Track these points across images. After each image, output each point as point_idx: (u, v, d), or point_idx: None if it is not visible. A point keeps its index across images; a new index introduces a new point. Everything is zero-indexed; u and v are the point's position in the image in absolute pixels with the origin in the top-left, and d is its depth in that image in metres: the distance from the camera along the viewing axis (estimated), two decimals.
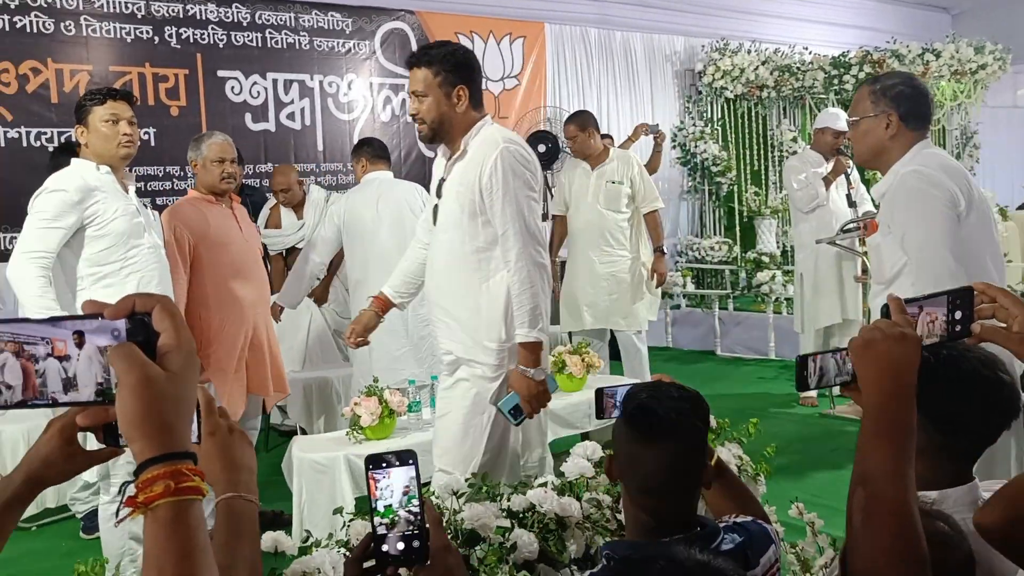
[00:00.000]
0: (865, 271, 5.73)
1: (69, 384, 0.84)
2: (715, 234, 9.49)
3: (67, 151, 3.56)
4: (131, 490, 0.82)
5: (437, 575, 1.26)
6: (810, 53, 9.41)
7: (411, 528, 1.23)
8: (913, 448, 1.18)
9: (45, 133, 5.74)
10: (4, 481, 1.11)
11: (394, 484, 1.24)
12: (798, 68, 9.24)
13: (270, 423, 5.44)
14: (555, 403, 4.36)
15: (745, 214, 9.40)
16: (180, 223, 3.83)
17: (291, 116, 6.80)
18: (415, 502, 1.23)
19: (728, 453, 2.60)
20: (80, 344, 0.84)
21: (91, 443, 1.07)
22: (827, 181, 5.73)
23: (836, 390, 1.79)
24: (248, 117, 6.58)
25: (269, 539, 2.12)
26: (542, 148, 7.34)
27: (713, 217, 9.65)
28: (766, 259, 8.11)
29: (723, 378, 6.58)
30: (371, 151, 4.84)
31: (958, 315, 1.41)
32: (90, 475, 3.72)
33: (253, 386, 4.04)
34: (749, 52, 9.38)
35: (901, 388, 1.20)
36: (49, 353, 0.83)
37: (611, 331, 5.65)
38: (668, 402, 1.59)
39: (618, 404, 1.84)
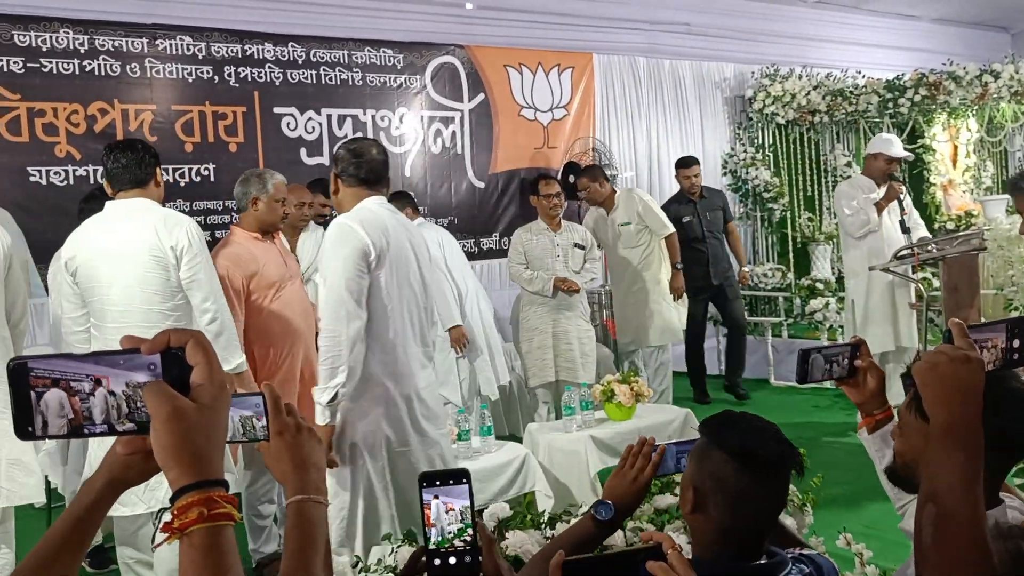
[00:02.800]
0: (920, 298, 5.64)
1: (111, 416, 0.90)
2: (768, 260, 9.41)
3: (97, 198, 3.69)
4: (167, 516, 0.87)
5: None
6: (863, 77, 9.33)
7: (464, 545, 1.26)
8: (981, 465, 1.21)
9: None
10: (87, 485, 1.15)
11: (448, 503, 1.27)
12: (851, 92, 9.16)
13: None
14: (605, 432, 4.41)
15: (799, 240, 9.31)
16: (230, 264, 3.89)
17: None
18: (468, 521, 1.26)
19: None
20: (120, 379, 0.89)
21: None
22: (879, 207, 5.67)
23: None
24: (303, 152, 6.76)
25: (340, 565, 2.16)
26: (571, 179, 7.42)
27: (766, 243, 9.56)
28: (820, 285, 8.02)
29: (777, 407, 6.50)
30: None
31: (1016, 343, 1.44)
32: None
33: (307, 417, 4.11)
34: (800, 77, 9.33)
35: (967, 408, 1.24)
36: (92, 388, 0.89)
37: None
38: (775, 438, 1.63)
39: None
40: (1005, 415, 1.57)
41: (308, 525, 1.17)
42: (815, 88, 9.19)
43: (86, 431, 0.90)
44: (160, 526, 0.89)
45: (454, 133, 7.55)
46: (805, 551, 1.77)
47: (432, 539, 1.25)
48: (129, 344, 0.90)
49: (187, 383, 0.89)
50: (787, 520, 2.47)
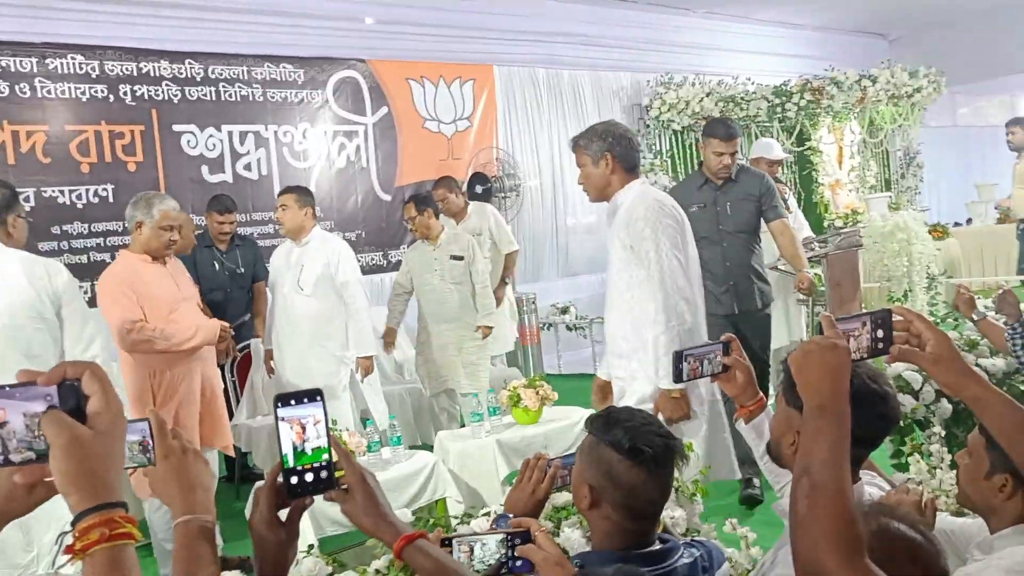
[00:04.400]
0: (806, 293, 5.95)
1: (7, 447, 0.94)
2: None
3: None
4: (68, 539, 0.92)
5: (360, 501, 1.32)
6: (753, 83, 9.74)
7: (321, 463, 1.26)
8: (848, 442, 1.33)
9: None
10: None
11: (309, 421, 1.25)
12: (742, 98, 9.56)
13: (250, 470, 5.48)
14: (513, 435, 4.54)
15: None
16: (119, 285, 3.88)
17: (248, 167, 6.93)
18: (324, 439, 1.25)
19: None
20: (16, 410, 0.93)
21: None
22: None
23: None
24: (205, 169, 6.70)
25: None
26: (479, 188, 7.54)
27: None
28: None
29: None
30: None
31: (880, 334, 1.59)
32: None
33: (209, 439, 4.10)
34: (694, 85, 9.68)
35: (836, 388, 1.36)
36: None
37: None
38: (659, 432, 1.76)
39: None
40: (856, 411, 1.75)
41: (196, 544, 1.19)
42: (708, 95, 9.55)
43: None
44: (63, 548, 0.94)
45: (358, 147, 7.58)
46: (698, 537, 1.93)
47: (289, 458, 1.25)
48: (25, 377, 0.95)
49: (84, 412, 0.94)
50: (677, 511, 2.63)
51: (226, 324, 4.21)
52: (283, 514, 1.30)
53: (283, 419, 1.24)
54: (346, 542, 3.81)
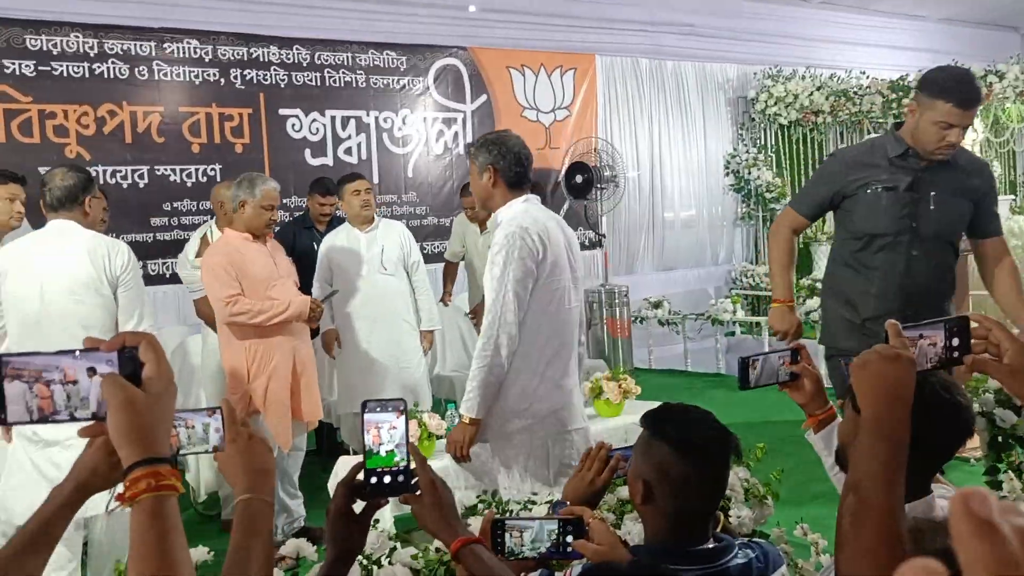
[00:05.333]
0: None
1: (75, 405, 1.06)
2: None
3: None
4: (120, 488, 1.03)
5: (428, 504, 1.43)
6: (867, 77, 9.37)
7: (397, 466, 1.40)
8: (904, 460, 1.27)
9: (120, 171, 6.15)
10: (56, 489, 1.30)
11: (384, 427, 1.40)
12: (855, 93, 9.22)
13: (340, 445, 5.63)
14: (594, 427, 4.51)
15: (800, 240, 9.36)
16: (222, 260, 4.09)
17: (348, 151, 7.11)
18: (403, 446, 1.39)
19: (735, 476, 2.71)
20: (83, 372, 1.05)
21: None
22: None
23: None
24: (308, 153, 6.90)
25: (292, 546, 2.30)
26: (579, 179, 7.50)
27: (768, 244, 9.62)
28: (820, 286, 8.07)
29: (773, 406, 6.57)
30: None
31: (955, 342, 1.52)
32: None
33: (299, 413, 4.26)
34: (803, 78, 9.39)
35: (895, 404, 1.29)
36: (61, 379, 1.05)
37: None
38: (711, 426, 1.74)
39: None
40: (928, 422, 1.67)
41: (253, 521, 1.31)
42: (818, 89, 9.25)
43: (52, 419, 1.05)
44: (114, 496, 1.06)
45: (456, 134, 7.67)
46: (754, 539, 1.88)
47: (370, 459, 1.39)
48: (91, 344, 1.06)
49: (139, 377, 1.04)
50: (744, 511, 2.58)
51: (317, 299, 4.35)
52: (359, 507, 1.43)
53: (366, 421, 1.40)
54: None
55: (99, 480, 1.29)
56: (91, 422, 1.08)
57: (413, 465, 1.41)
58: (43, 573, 1.28)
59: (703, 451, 1.70)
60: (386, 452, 1.39)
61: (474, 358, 3.07)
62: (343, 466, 4.12)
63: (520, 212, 3.09)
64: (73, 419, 1.06)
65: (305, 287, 4.73)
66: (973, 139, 9.63)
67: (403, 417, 1.40)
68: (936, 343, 1.52)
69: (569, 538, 1.67)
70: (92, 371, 1.05)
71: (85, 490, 1.29)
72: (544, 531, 1.67)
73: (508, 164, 3.07)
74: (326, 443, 5.60)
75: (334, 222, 5.81)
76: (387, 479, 1.40)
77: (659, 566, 1.47)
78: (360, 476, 1.42)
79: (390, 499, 1.45)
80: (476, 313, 5.85)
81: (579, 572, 1.66)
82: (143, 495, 0.99)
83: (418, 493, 1.42)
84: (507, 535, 1.65)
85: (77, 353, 1.05)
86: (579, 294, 3.30)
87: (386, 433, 1.39)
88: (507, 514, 2.44)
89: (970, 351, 1.51)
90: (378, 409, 1.40)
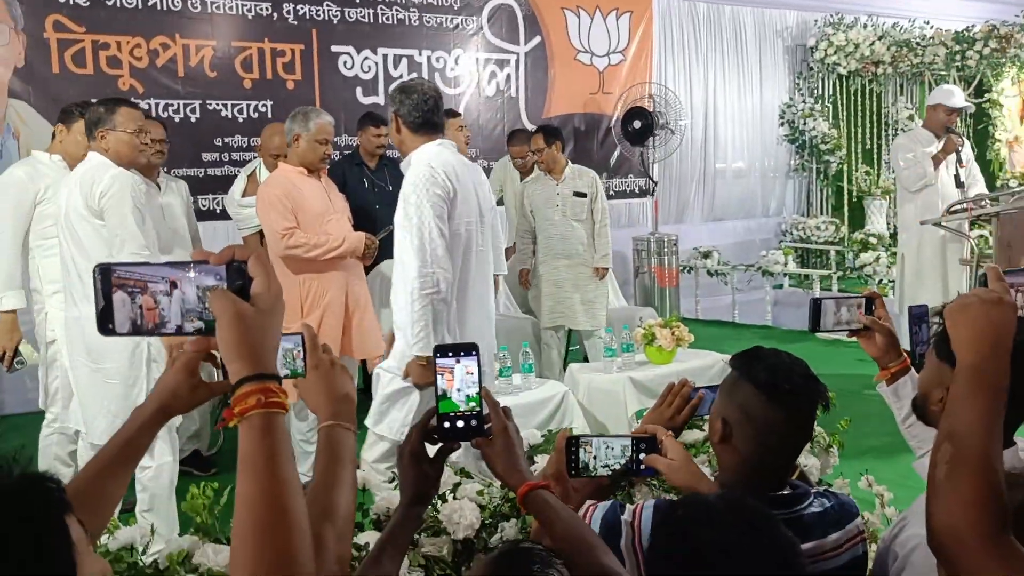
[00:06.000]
0: (974, 253, 5.57)
1: (183, 316, 1.03)
2: (822, 213, 9.29)
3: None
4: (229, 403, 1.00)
5: (499, 449, 1.43)
6: (931, 27, 9.07)
7: (471, 411, 1.40)
8: (1003, 408, 1.22)
9: (172, 104, 6.14)
10: (138, 410, 1.29)
11: (459, 372, 1.40)
12: (917, 43, 8.93)
13: None
14: (645, 374, 4.49)
15: (855, 194, 9.17)
16: (278, 193, 4.05)
17: None
18: (477, 390, 1.39)
19: None
20: (191, 284, 1.02)
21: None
22: (936, 160, 5.57)
23: None
24: (359, 91, 6.84)
25: (359, 476, 2.30)
26: (637, 124, 7.36)
27: (821, 196, 9.44)
28: (873, 240, 7.93)
29: (821, 359, 6.49)
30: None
31: None
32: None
33: (349, 349, 4.26)
34: (865, 27, 9.11)
35: (997, 350, 1.24)
36: (168, 291, 1.02)
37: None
38: (802, 373, 1.68)
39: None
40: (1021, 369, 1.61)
41: (337, 447, 1.31)
42: (880, 38, 8.97)
43: (158, 332, 1.04)
44: (223, 411, 1.02)
45: (509, 76, 7.55)
46: (830, 490, 1.84)
47: (443, 402, 1.39)
48: (200, 256, 1.02)
49: (247, 292, 1.01)
50: (811, 459, 2.53)
51: (372, 236, 4.33)
52: (433, 451, 1.44)
53: (439, 365, 1.40)
54: None
55: (180, 402, 1.28)
56: (195, 336, 1.06)
57: (486, 410, 1.41)
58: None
59: (791, 396, 1.65)
60: (458, 396, 1.40)
61: (411, 299, 3.09)
62: None
63: (432, 154, 3.18)
64: (179, 332, 1.04)
65: (357, 226, 4.71)
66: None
67: (476, 361, 1.40)
68: None
69: (642, 456, 1.67)
70: (199, 285, 1.02)
71: (166, 412, 1.28)
72: (618, 448, 1.68)
73: (408, 110, 3.18)
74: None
75: (383, 159, 5.77)
76: (460, 423, 1.40)
77: (747, 497, 1.43)
78: (434, 421, 1.42)
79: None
80: (524, 276, 5.75)
81: (653, 504, 1.63)
82: (252, 411, 0.97)
83: (490, 438, 1.42)
84: (581, 452, 1.67)
85: (185, 266, 1.02)
86: (486, 238, 3.40)
87: (462, 378, 1.39)
88: None
89: None
90: (450, 354, 1.40)
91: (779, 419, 1.65)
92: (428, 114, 3.21)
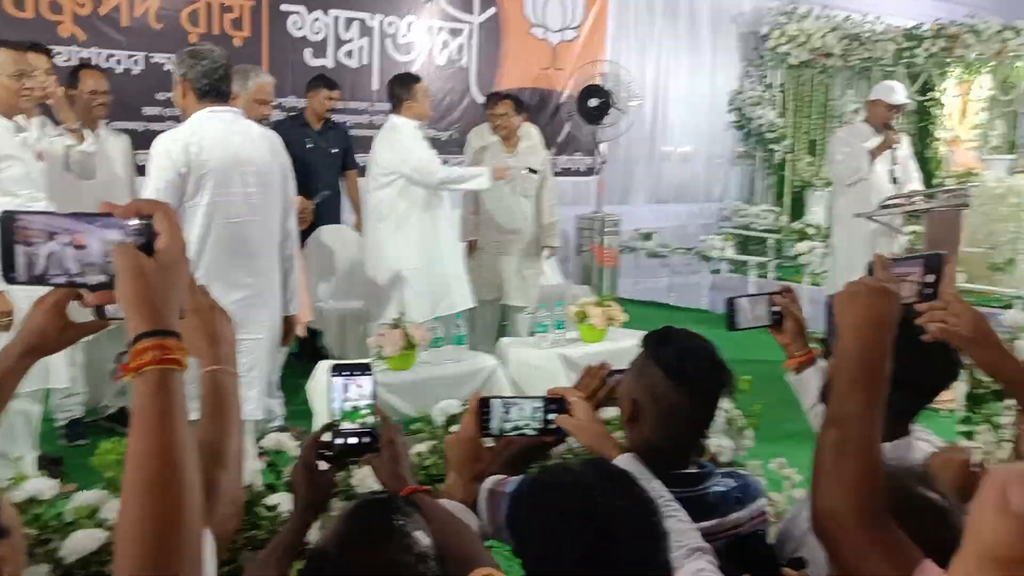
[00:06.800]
0: (904, 249, 5.72)
1: (84, 268, 1.02)
2: (764, 202, 9.44)
3: None
4: (126, 359, 1.00)
5: (386, 459, 1.50)
6: (882, 23, 9.21)
7: (365, 427, 1.48)
8: (885, 396, 1.26)
9: (115, 55, 5.98)
10: (3, 353, 1.26)
11: (353, 390, 1.47)
12: (868, 37, 9.07)
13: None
14: (575, 351, 4.55)
15: (796, 184, 9.33)
16: None
17: (349, 54, 6.94)
18: (368, 406, 1.47)
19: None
20: (94, 236, 1.02)
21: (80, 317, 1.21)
22: (872, 155, 5.70)
23: None
24: (308, 53, 6.73)
25: (272, 440, 2.32)
26: (594, 102, 7.37)
27: (763, 184, 9.59)
28: (811, 230, 8.08)
29: (746, 344, 6.61)
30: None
31: (930, 278, 1.52)
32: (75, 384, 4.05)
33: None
34: (818, 18, 9.22)
35: (879, 339, 1.28)
36: (70, 242, 1.01)
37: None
38: (710, 358, 1.72)
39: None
40: (917, 359, 1.67)
41: (223, 391, 1.29)
42: (833, 30, 9.08)
43: (52, 281, 1.03)
44: (119, 366, 1.02)
45: (461, 46, 7.50)
46: (736, 470, 1.90)
47: (346, 409, 1.48)
48: (106, 208, 1.02)
49: (152, 247, 1.01)
50: (725, 441, 2.61)
51: (307, 200, 4.30)
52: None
53: (333, 384, 1.49)
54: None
55: (48, 343, 1.24)
56: (101, 288, 1.04)
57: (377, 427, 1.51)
58: None
59: (696, 382, 1.70)
60: (352, 408, 1.49)
61: None
62: (323, 370, 4.14)
63: (192, 124, 3.20)
64: (72, 284, 1.04)
65: (297, 188, 4.67)
66: (979, 96, 9.53)
67: (371, 379, 1.50)
68: (914, 278, 1.51)
69: (551, 416, 1.71)
70: (102, 238, 1.01)
71: (33, 353, 1.25)
72: (529, 409, 1.74)
73: (197, 75, 3.18)
74: (308, 347, 5.61)
75: (328, 122, 5.71)
76: (353, 440, 1.48)
77: (605, 460, 1.49)
78: (326, 436, 1.51)
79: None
80: (472, 246, 5.63)
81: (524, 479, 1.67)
82: (148, 367, 0.97)
83: (378, 447, 1.51)
84: (492, 413, 1.70)
85: (91, 218, 1.01)
86: (262, 209, 3.39)
87: (354, 392, 1.49)
88: None
89: (937, 291, 1.53)
90: (345, 372, 1.49)
91: (684, 403, 1.69)
92: (217, 82, 3.22)
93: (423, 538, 1.14)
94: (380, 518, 1.16)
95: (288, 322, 3.62)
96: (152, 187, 3.18)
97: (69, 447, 4.21)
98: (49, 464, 3.96)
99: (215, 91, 3.23)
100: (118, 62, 6.00)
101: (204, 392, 1.29)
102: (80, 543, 1.80)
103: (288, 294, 3.58)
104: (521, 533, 1.35)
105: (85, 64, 5.22)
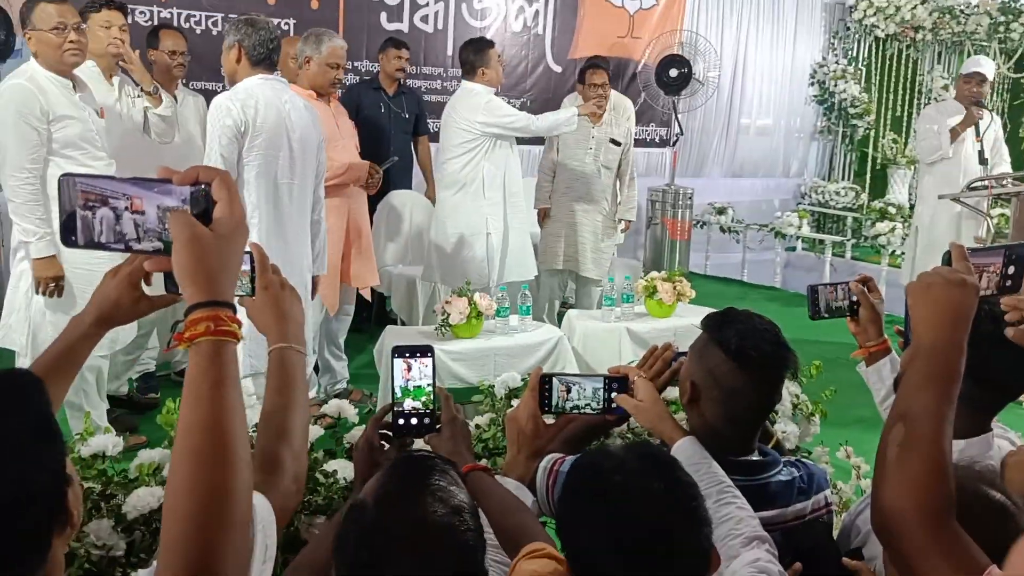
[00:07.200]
0: (990, 232, 5.49)
1: (140, 235, 1.00)
2: (843, 179, 9.16)
3: None
4: (180, 328, 0.99)
5: (445, 438, 1.54)
6: None
7: (425, 407, 1.51)
8: (957, 393, 1.21)
9: (194, 16, 6.06)
10: (76, 320, 1.28)
11: (415, 370, 1.50)
12: (961, 11, 8.67)
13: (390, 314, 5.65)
14: (642, 326, 4.49)
15: (879, 161, 9.02)
16: None
17: (424, 19, 6.91)
18: (429, 386, 1.51)
19: (786, 391, 2.65)
20: (152, 202, 1.00)
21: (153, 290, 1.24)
22: (953, 133, 5.45)
23: None
24: (384, 16, 6.72)
25: (334, 405, 2.33)
26: (673, 72, 7.21)
27: (844, 161, 9.30)
28: (892, 210, 7.81)
29: (824, 325, 6.45)
30: None
31: (1011, 270, 1.43)
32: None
33: (347, 276, 4.27)
34: None
35: (955, 333, 1.22)
36: (128, 207, 0.99)
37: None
38: (772, 340, 1.67)
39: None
40: (1002, 355, 1.57)
41: (290, 368, 1.30)
42: (923, 3, 8.71)
43: (116, 246, 1.01)
44: (174, 335, 1.02)
45: (537, 12, 7.40)
46: (801, 459, 1.84)
47: (400, 396, 1.53)
48: (164, 174, 1.00)
49: (210, 215, 0.99)
50: (791, 427, 2.53)
51: (376, 166, 4.30)
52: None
53: (396, 364, 1.53)
54: (462, 397, 3.92)
55: (121, 314, 1.26)
56: (157, 254, 1.02)
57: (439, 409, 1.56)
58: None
59: (758, 364, 1.64)
60: (414, 387, 1.54)
61: None
62: (390, 335, 4.16)
63: (247, 87, 3.40)
64: (128, 250, 1.02)
65: (367, 152, 4.68)
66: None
67: (431, 361, 1.54)
68: (995, 270, 1.45)
69: (613, 395, 1.70)
70: (159, 204, 0.99)
71: (106, 323, 1.27)
72: (590, 388, 1.73)
73: (253, 43, 3.41)
74: (374, 312, 5.66)
75: (401, 86, 5.68)
76: (414, 420, 1.53)
77: (651, 445, 1.45)
78: (389, 417, 1.55)
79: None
80: (544, 214, 5.56)
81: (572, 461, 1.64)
82: (201, 338, 0.95)
83: (438, 427, 1.57)
84: (554, 389, 1.71)
85: (148, 183, 0.99)
86: (300, 175, 3.57)
87: (417, 370, 1.53)
88: None
89: (1018, 287, 1.45)
90: (407, 354, 1.53)
91: (746, 386, 1.64)
92: (270, 52, 3.45)
93: (459, 492, 1.14)
94: (418, 473, 1.16)
95: (313, 281, 3.80)
96: (215, 143, 3.34)
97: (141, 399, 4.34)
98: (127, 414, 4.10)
99: (267, 60, 3.45)
100: (197, 22, 6.07)
101: (270, 369, 1.30)
102: (142, 500, 1.83)
103: (314, 254, 3.76)
104: (559, 513, 1.33)
105: (165, 24, 5.30)
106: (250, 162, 3.42)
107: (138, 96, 3.82)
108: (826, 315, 1.90)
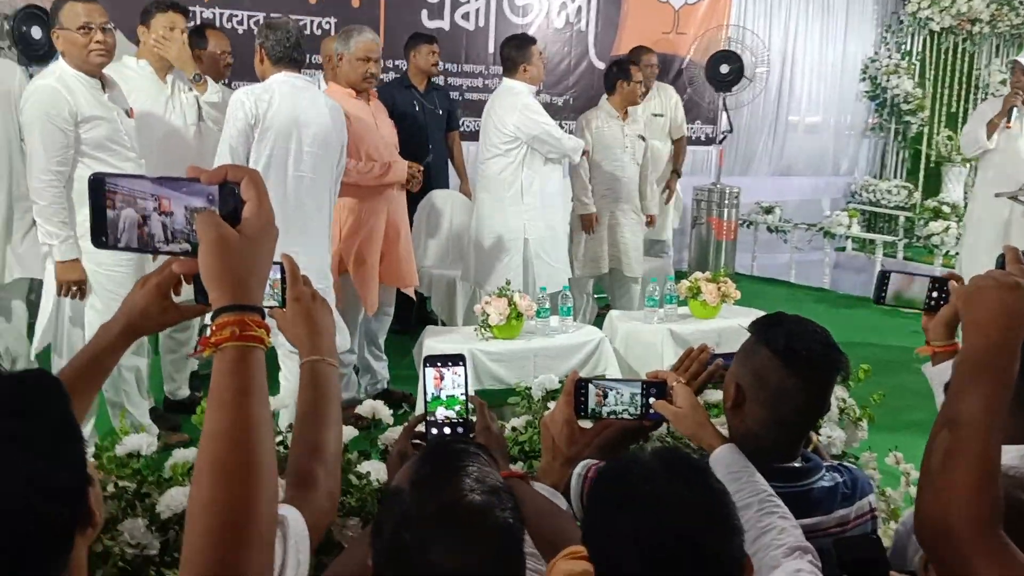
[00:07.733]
0: None
1: (169, 236, 0.98)
2: (896, 177, 8.95)
3: None
4: (207, 332, 0.96)
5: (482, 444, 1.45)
6: None
7: (459, 417, 1.48)
8: (1008, 399, 1.17)
9: (236, 15, 6.11)
10: (104, 328, 1.26)
11: (448, 379, 1.49)
12: (1020, 2, 8.43)
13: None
14: (686, 328, 4.41)
15: (933, 159, 8.79)
16: None
17: (466, 16, 6.88)
18: (463, 395, 1.49)
19: (832, 396, 2.57)
20: (179, 203, 0.97)
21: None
22: (992, 125, 5.28)
23: None
24: (424, 14, 6.71)
25: (368, 407, 2.30)
26: (724, 68, 7.09)
27: (896, 159, 9.08)
28: (947, 209, 7.60)
29: (876, 327, 6.31)
30: None
31: None
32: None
33: (385, 277, 4.25)
34: None
35: (1007, 338, 1.18)
36: (156, 208, 0.97)
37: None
38: (822, 341, 1.62)
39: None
40: None
41: (323, 381, 1.27)
42: None
43: (145, 248, 0.99)
44: (200, 339, 0.99)
45: (580, 8, 7.33)
46: (844, 463, 1.78)
47: (432, 403, 1.50)
48: (193, 173, 0.97)
49: (239, 215, 0.95)
50: (836, 432, 2.45)
51: (416, 164, 4.28)
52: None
53: (427, 373, 1.52)
54: (500, 398, 3.88)
55: (149, 323, 1.24)
56: (185, 255, 1.00)
57: (473, 418, 1.54)
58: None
59: (807, 364, 1.59)
60: (447, 396, 1.52)
61: None
62: (430, 335, 4.14)
63: (267, 83, 3.55)
64: (156, 251, 0.99)
65: (407, 151, 4.66)
66: None
67: (464, 369, 1.52)
68: None
69: (651, 400, 1.68)
70: (187, 204, 0.96)
71: (134, 332, 1.25)
72: (627, 393, 1.70)
73: (272, 44, 3.56)
74: (415, 312, 5.64)
75: (431, 82, 5.65)
76: (447, 430, 1.50)
77: (681, 451, 1.40)
78: (422, 426, 1.54)
79: None
80: (591, 220, 5.46)
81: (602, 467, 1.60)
82: (227, 343, 0.92)
83: (472, 436, 1.52)
84: (590, 394, 1.69)
85: (176, 183, 0.97)
86: (316, 168, 3.62)
87: (449, 381, 1.52)
88: None
89: None
90: (439, 363, 1.53)
91: (794, 386, 1.59)
92: (288, 50, 3.57)
93: (494, 474, 1.12)
94: (451, 457, 1.14)
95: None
96: (227, 135, 3.47)
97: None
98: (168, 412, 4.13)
99: (287, 58, 3.57)
100: (240, 22, 6.11)
101: (302, 382, 1.27)
102: (175, 499, 1.82)
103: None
104: (585, 519, 1.30)
105: (208, 24, 5.34)
106: (260, 154, 3.51)
107: (189, 90, 3.85)
108: (892, 303, 1.82)
